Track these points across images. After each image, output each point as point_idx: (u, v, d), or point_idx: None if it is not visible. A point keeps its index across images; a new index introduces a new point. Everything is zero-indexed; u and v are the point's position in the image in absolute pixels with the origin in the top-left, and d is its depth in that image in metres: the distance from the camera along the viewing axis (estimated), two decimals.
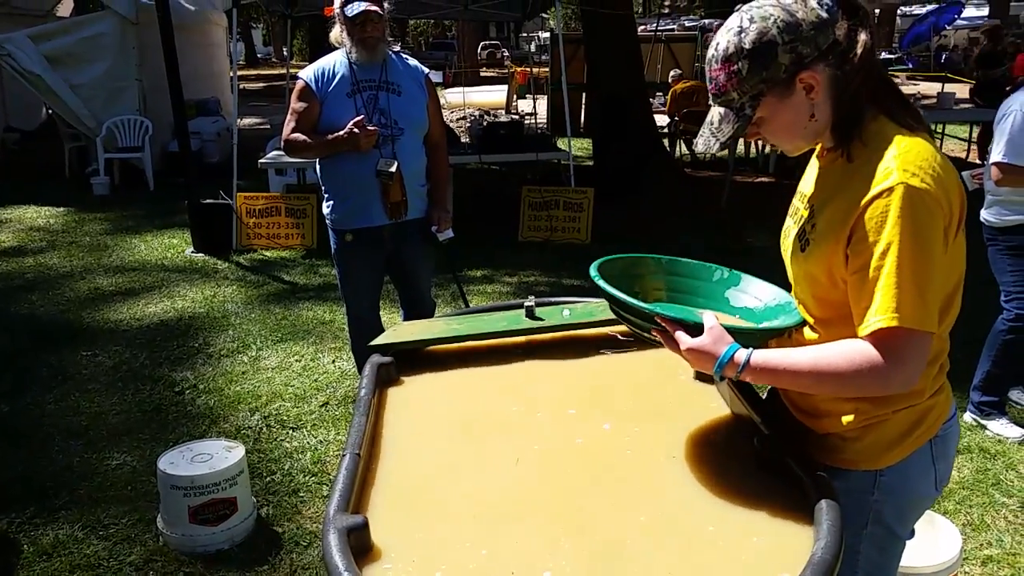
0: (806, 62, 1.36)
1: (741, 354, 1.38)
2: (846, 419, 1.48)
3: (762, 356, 1.38)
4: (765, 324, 1.54)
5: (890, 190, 1.29)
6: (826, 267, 1.41)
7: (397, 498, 1.45)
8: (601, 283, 1.53)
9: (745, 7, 1.40)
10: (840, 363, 1.33)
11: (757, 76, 1.36)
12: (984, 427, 3.63)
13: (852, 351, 1.33)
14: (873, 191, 1.31)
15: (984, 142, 10.39)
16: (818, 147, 1.52)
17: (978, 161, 10.33)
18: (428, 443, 1.65)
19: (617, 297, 1.49)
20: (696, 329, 1.41)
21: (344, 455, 1.48)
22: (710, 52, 1.43)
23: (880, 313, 1.29)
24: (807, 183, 1.55)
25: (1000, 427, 3.58)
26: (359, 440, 1.54)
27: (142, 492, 3.28)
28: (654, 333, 1.46)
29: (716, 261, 1.77)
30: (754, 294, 1.71)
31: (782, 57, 1.35)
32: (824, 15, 1.36)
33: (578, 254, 6.62)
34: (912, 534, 1.64)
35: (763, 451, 1.50)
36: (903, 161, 1.31)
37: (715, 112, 1.45)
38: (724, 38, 1.39)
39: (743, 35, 1.36)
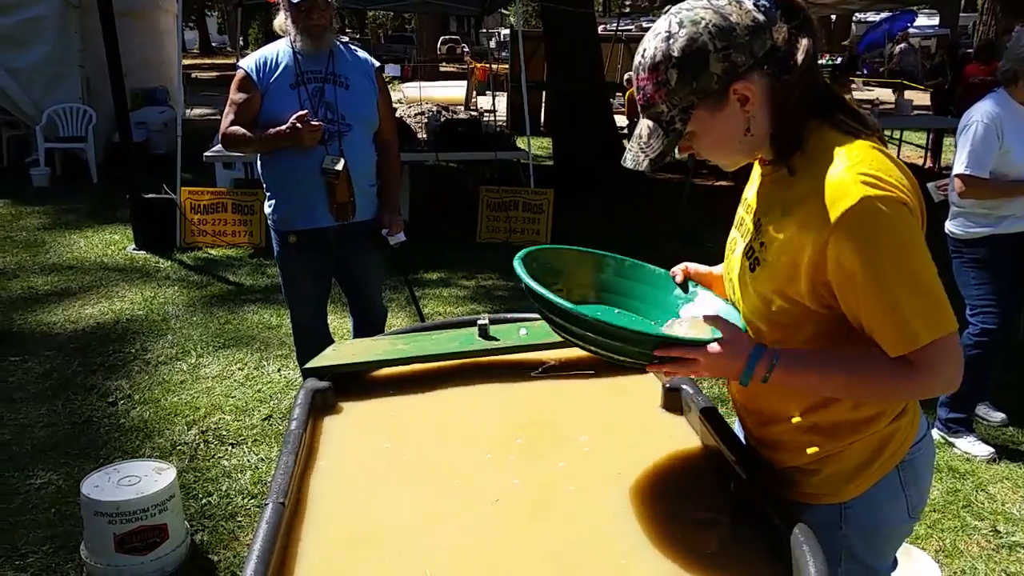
0: (740, 71, 1.23)
1: (768, 355, 1.26)
2: (802, 452, 1.39)
3: (792, 356, 1.27)
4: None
5: (855, 210, 1.17)
6: (779, 289, 1.31)
7: (330, 557, 1.27)
8: (587, 314, 1.26)
9: (674, 9, 1.26)
10: (881, 372, 1.24)
11: (687, 87, 1.24)
12: (952, 445, 3.54)
13: (891, 362, 1.24)
14: (837, 213, 1.18)
15: (936, 149, 10.52)
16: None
17: (930, 165, 10.43)
18: (370, 486, 1.46)
19: (609, 329, 1.24)
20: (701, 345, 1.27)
21: (266, 504, 1.29)
22: (636, 59, 1.29)
23: (895, 340, 1.21)
24: (751, 191, 1.43)
25: (968, 445, 3.50)
26: (285, 485, 1.35)
27: (66, 515, 3.03)
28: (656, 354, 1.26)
29: (673, 264, 1.63)
30: (706, 309, 1.54)
31: (714, 66, 1.22)
32: (761, 18, 1.24)
33: None
34: (894, 565, 1.55)
35: (739, 496, 1.36)
36: (857, 173, 1.19)
37: (644, 125, 1.32)
38: (651, 44, 1.26)
39: (671, 41, 1.23)
